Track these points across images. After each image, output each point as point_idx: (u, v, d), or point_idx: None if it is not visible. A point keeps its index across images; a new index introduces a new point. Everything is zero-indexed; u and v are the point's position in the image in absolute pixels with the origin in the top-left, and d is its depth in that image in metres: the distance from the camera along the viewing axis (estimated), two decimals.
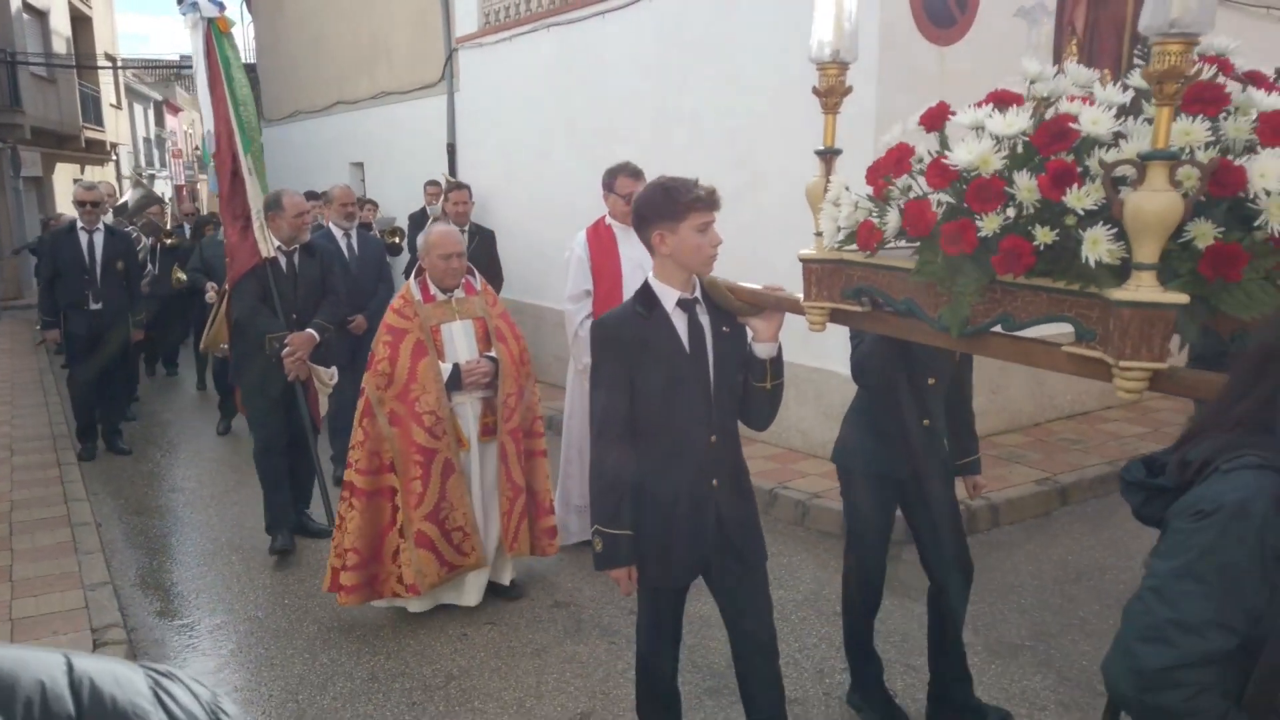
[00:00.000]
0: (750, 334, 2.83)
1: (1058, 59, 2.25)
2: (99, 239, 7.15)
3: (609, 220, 4.98)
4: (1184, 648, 1.43)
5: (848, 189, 2.32)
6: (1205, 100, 1.80)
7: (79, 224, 7.12)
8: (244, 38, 18.75)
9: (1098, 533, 5.52)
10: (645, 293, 2.82)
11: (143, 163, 34.44)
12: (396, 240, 9.73)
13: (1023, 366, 2.14)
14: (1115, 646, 1.53)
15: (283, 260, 5.16)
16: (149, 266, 9.13)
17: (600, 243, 4.89)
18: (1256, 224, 1.76)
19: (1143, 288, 1.71)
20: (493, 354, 4.36)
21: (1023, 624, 4.45)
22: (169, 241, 9.71)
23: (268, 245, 5.06)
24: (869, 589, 3.62)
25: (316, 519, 5.65)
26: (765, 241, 6.23)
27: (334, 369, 5.40)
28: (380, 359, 4.23)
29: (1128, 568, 5.03)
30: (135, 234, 9.06)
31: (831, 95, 2.40)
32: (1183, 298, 1.70)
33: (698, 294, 2.83)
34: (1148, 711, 1.48)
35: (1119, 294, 1.73)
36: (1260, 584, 1.40)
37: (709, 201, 2.69)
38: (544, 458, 4.71)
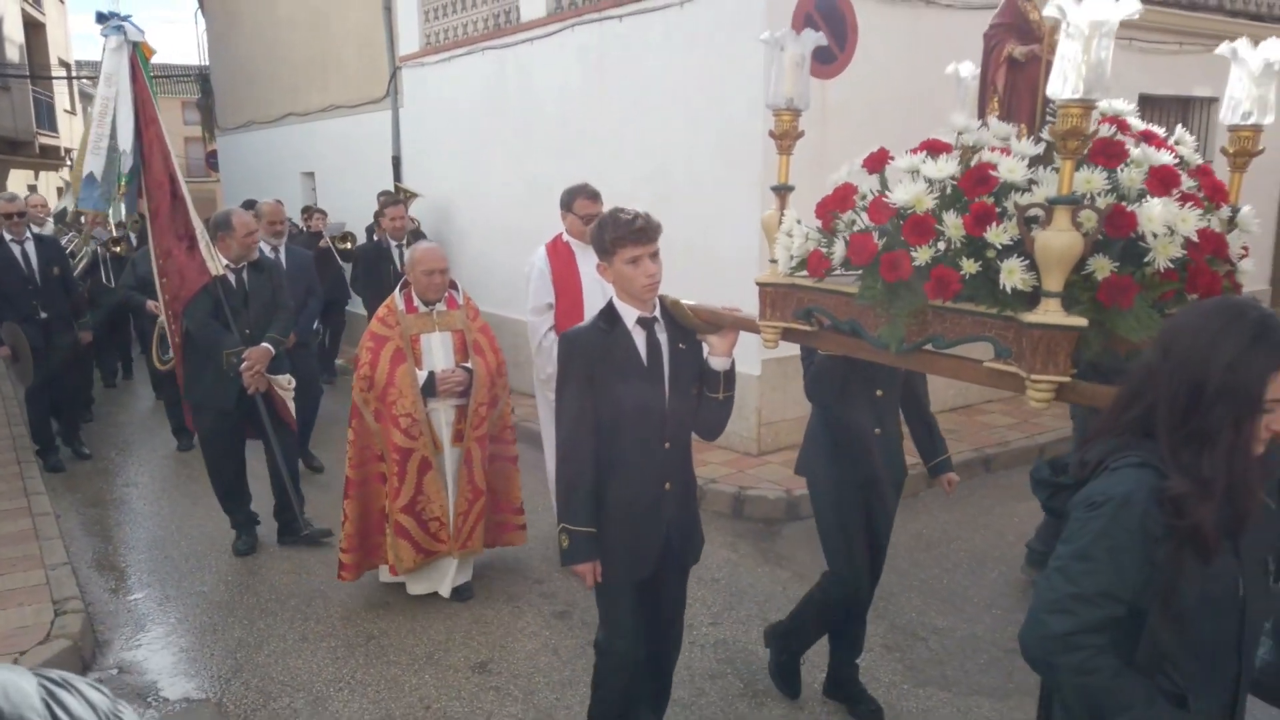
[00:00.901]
0: (707, 349, 3.09)
1: (981, 114, 2.57)
2: (30, 248, 7.10)
3: (566, 238, 5.10)
4: (1082, 616, 1.70)
5: (799, 222, 2.60)
6: (1108, 154, 2.12)
7: (6, 236, 7.02)
8: (199, 47, 18.67)
9: (952, 510, 5.97)
10: (609, 310, 3.06)
11: None
12: (348, 245, 9.89)
13: None
14: (1028, 618, 1.80)
15: (232, 277, 5.27)
16: (104, 277, 9.11)
17: (559, 259, 5.04)
18: (1146, 260, 2.08)
19: (1050, 312, 2.01)
20: (469, 365, 4.59)
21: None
22: (117, 250, 9.67)
23: (215, 264, 5.18)
24: (857, 586, 3.70)
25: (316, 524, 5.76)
26: (673, 252, 6.54)
27: (290, 376, 5.52)
28: (363, 364, 4.49)
29: (971, 539, 5.55)
30: (72, 238, 9.00)
31: (785, 138, 2.68)
32: (1083, 321, 2.00)
33: (657, 313, 3.08)
34: (1056, 672, 1.75)
35: (1030, 317, 2.03)
36: (1142, 562, 1.68)
37: (638, 237, 2.90)
38: (514, 463, 4.97)
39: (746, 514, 6.00)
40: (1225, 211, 2.35)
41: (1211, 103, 9.03)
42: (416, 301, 4.54)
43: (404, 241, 7.99)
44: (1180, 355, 1.70)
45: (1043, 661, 1.75)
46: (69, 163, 27.73)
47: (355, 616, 4.69)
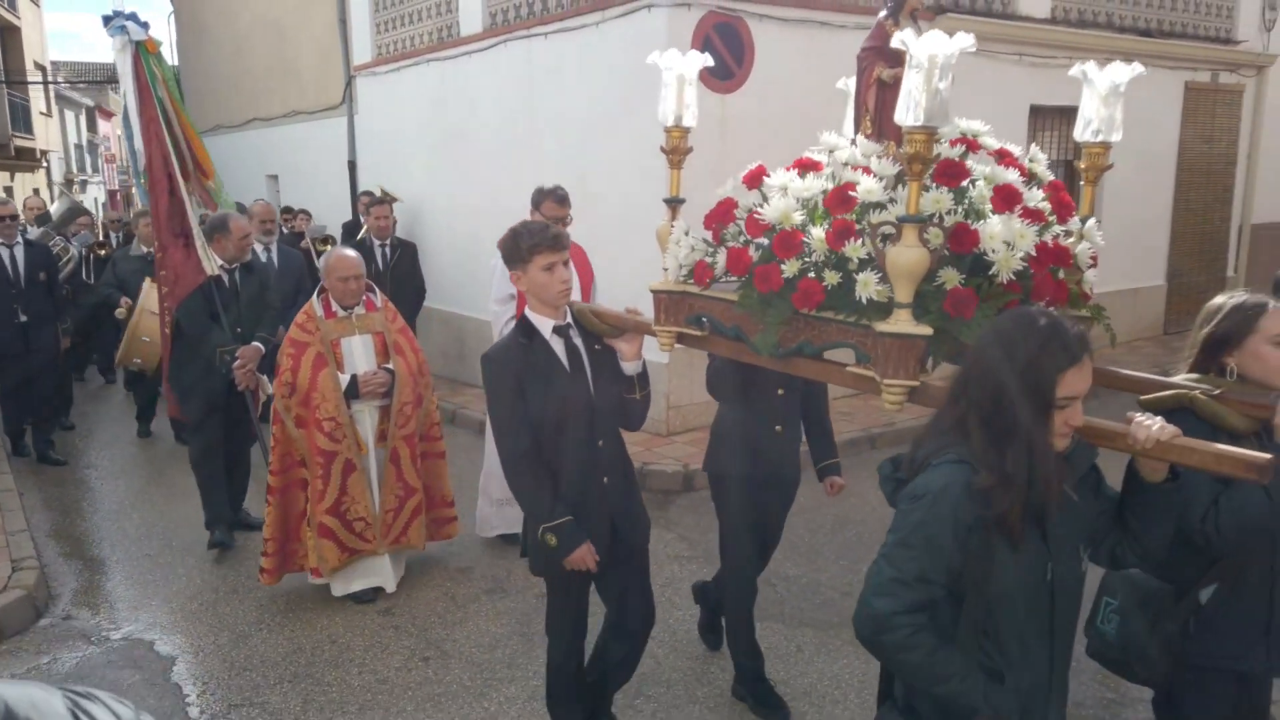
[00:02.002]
0: (619, 354, 3.22)
1: (856, 132, 2.73)
2: (19, 252, 7.08)
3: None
4: (901, 597, 1.87)
5: (687, 233, 2.75)
6: (950, 174, 2.29)
7: None
8: (171, 54, 18.54)
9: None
10: (524, 324, 3.18)
11: (74, 169, 33.16)
12: (328, 247, 9.94)
13: None
14: (859, 601, 1.97)
15: (225, 278, 5.34)
16: (85, 275, 9.08)
17: None
18: (992, 272, 2.27)
19: (900, 321, 2.18)
20: (390, 366, 4.68)
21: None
22: (102, 253, 9.64)
23: (211, 264, 5.24)
24: (749, 586, 3.92)
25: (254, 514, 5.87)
26: (597, 251, 6.80)
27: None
28: (284, 370, 4.54)
29: (839, 505, 5.68)
30: (62, 244, 8.94)
31: (675, 153, 2.83)
32: (928, 330, 2.17)
33: (570, 320, 3.21)
34: (881, 648, 1.92)
35: (882, 326, 2.20)
36: (956, 549, 1.85)
37: (553, 244, 3.04)
38: (443, 459, 5.08)
39: (647, 486, 6.29)
40: (1075, 223, 2.55)
41: None
42: (335, 306, 4.62)
43: (387, 241, 8.19)
44: (985, 363, 1.88)
45: (870, 639, 1.93)
46: (45, 164, 27.31)
47: (287, 576, 4.95)
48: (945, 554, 1.84)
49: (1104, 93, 2.58)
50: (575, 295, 3.61)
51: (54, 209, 12.29)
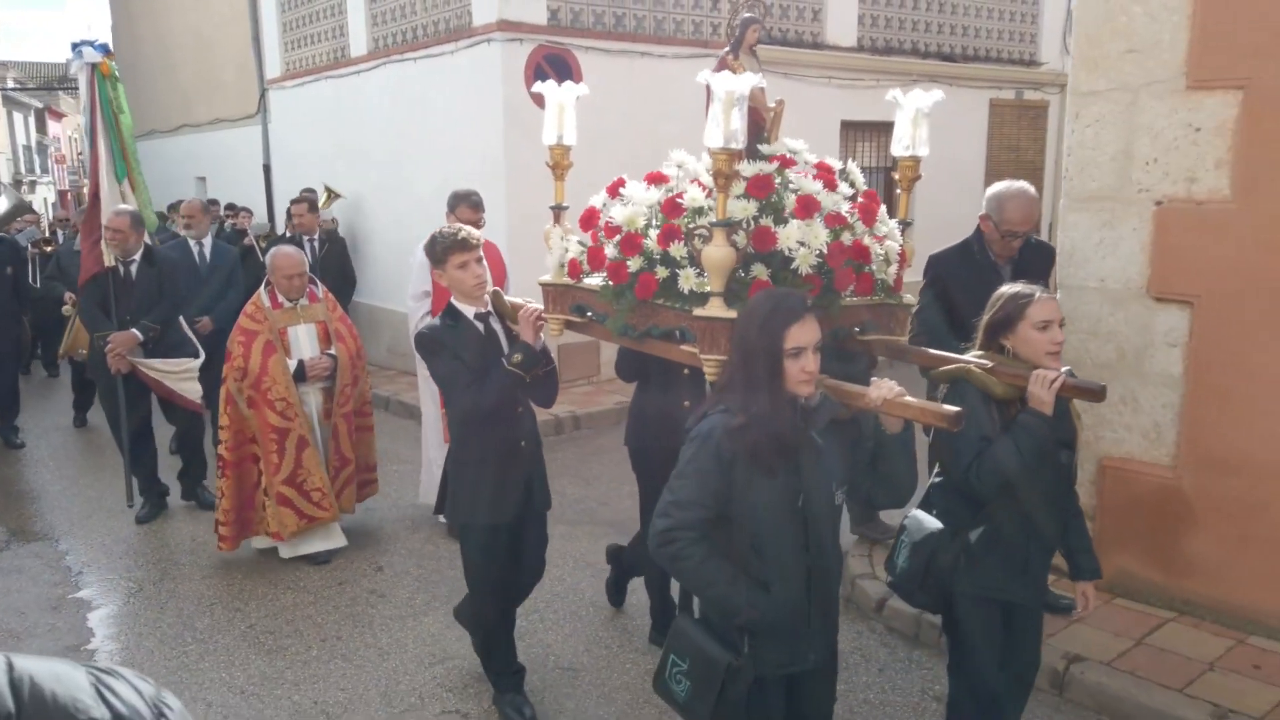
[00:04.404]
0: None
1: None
2: None
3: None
4: (676, 517, 2.35)
5: (564, 236, 3.24)
6: (760, 187, 2.78)
7: None
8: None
9: None
10: (450, 309, 3.67)
11: (23, 170, 33.70)
12: (265, 242, 10.47)
13: None
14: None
15: (121, 269, 5.85)
16: (31, 276, 9.52)
17: None
18: (793, 266, 2.75)
19: (714, 307, 2.66)
20: (332, 351, 5.20)
21: (588, 492, 6.49)
22: (49, 249, 10.11)
23: (109, 256, 5.80)
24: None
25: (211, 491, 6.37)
26: None
27: (190, 359, 6.02)
28: (236, 356, 5.06)
29: None
30: (24, 242, 9.42)
31: (558, 167, 3.31)
32: (733, 314, 2.65)
33: (489, 308, 3.70)
34: (663, 558, 2.40)
35: (700, 311, 2.68)
36: (720, 478, 2.33)
37: (463, 246, 3.53)
38: (371, 432, 5.69)
39: None
40: (886, 226, 3.04)
41: None
42: (281, 298, 5.14)
43: (315, 236, 8.66)
44: (738, 330, 2.38)
45: (655, 551, 2.42)
46: None
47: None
48: (712, 482, 2.33)
49: (911, 115, 3.07)
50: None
51: None
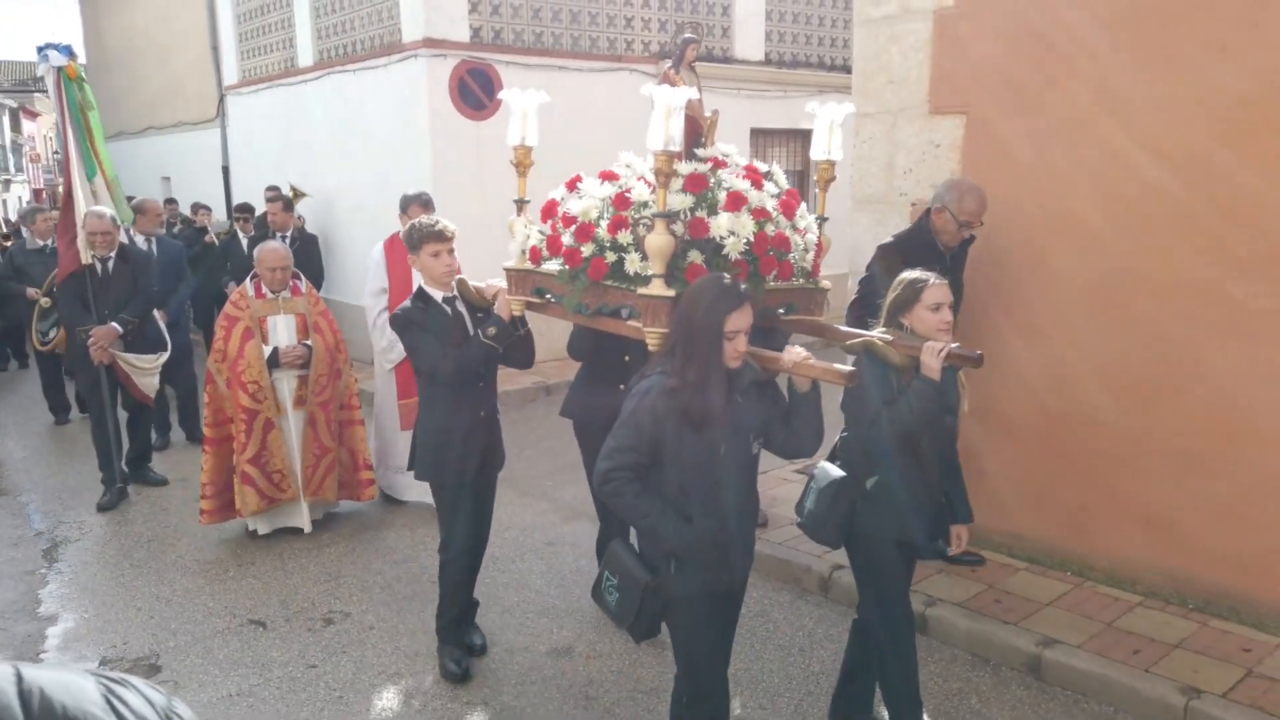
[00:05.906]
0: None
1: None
2: None
3: (402, 236, 6.08)
4: (615, 460, 2.79)
5: (526, 225, 3.67)
6: (695, 184, 3.23)
7: None
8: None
9: None
10: (420, 293, 4.07)
11: None
12: (226, 237, 10.76)
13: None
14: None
15: (99, 266, 6.13)
16: None
17: (394, 252, 5.91)
18: (724, 253, 3.21)
19: (655, 287, 3.11)
20: (308, 342, 5.54)
21: (536, 465, 7.06)
22: (8, 244, 10.27)
23: (86, 254, 6.07)
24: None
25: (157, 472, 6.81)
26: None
27: (158, 354, 6.36)
28: (217, 339, 5.43)
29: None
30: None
31: (520, 166, 3.74)
32: (672, 293, 3.10)
33: (455, 294, 4.11)
34: (604, 494, 2.83)
35: (643, 291, 3.12)
36: (653, 429, 2.76)
37: (437, 236, 3.93)
38: (361, 425, 5.94)
39: None
40: (805, 220, 3.51)
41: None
42: (265, 289, 5.49)
43: (288, 233, 9.11)
44: (683, 309, 2.82)
45: (597, 489, 2.86)
46: None
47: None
48: (646, 432, 2.77)
49: (827, 125, 3.55)
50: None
51: None
